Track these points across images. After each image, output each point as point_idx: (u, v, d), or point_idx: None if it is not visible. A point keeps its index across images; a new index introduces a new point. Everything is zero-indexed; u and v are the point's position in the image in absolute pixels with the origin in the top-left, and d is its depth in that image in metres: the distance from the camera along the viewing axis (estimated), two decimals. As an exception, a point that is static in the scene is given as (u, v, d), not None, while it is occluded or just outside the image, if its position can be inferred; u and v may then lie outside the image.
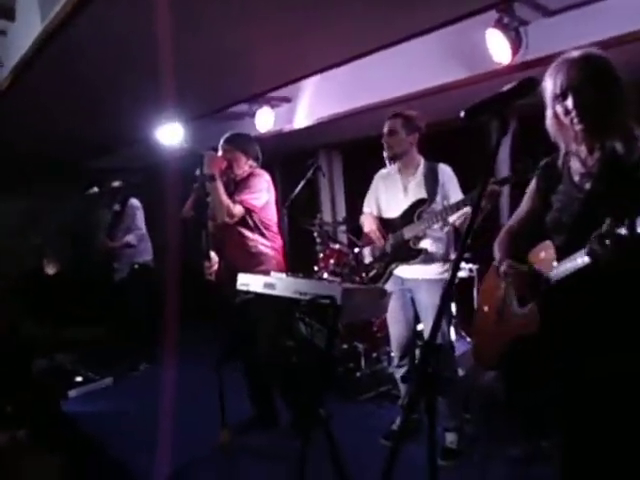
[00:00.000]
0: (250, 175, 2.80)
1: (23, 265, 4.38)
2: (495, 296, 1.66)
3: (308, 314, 1.80)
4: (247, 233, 2.75)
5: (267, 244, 2.78)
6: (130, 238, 4.21)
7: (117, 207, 4.24)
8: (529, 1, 2.59)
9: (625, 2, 2.46)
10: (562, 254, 1.39)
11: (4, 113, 3.36)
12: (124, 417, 3.36)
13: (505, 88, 1.06)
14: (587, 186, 1.39)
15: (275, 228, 2.86)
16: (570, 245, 1.34)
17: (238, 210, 2.66)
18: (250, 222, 2.75)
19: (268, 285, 1.81)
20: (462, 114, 1.01)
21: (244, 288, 1.94)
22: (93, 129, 4.06)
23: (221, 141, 2.86)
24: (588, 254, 1.24)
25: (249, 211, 2.71)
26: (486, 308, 1.73)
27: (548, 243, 1.49)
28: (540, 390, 1.60)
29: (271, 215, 2.84)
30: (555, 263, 1.42)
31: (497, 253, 1.66)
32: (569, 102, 1.36)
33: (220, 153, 2.80)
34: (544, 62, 2.67)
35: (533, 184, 1.60)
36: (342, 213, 5.64)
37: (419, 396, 0.89)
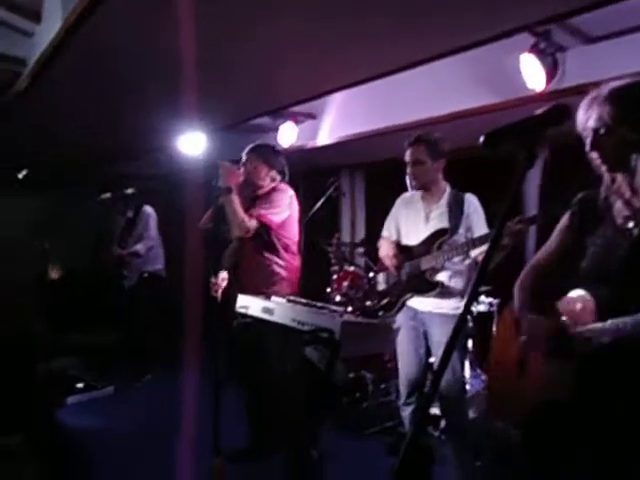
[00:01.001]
0: (272, 190, 2.65)
1: (31, 268, 4.38)
2: (515, 345, 1.49)
3: (314, 338, 1.66)
4: (263, 251, 2.60)
5: (282, 264, 2.61)
6: (139, 247, 4.14)
7: (130, 214, 4.21)
8: (568, 26, 2.46)
9: (672, 32, 2.30)
10: (607, 309, 1.22)
11: (22, 114, 3.36)
12: (119, 431, 3.24)
13: (534, 114, 0.93)
14: (635, 231, 1.24)
15: (294, 248, 2.67)
16: (617, 299, 1.19)
17: (253, 224, 2.50)
18: (267, 239, 2.58)
19: (267, 310, 1.70)
20: (481, 139, 0.88)
21: (242, 311, 1.82)
22: (113, 134, 4.06)
23: (245, 150, 2.75)
24: None
25: (266, 227, 2.56)
26: (505, 357, 1.56)
27: (585, 294, 1.31)
28: (567, 457, 1.42)
29: (291, 234, 2.65)
30: (600, 321, 1.25)
31: (518, 296, 1.50)
32: (587, 143, 1.27)
33: (242, 161, 2.68)
34: (580, 90, 2.57)
35: (566, 220, 1.44)
36: (361, 235, 5.50)
37: (408, 469, 0.75)
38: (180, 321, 3.83)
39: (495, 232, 0.91)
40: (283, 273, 2.61)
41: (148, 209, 4.28)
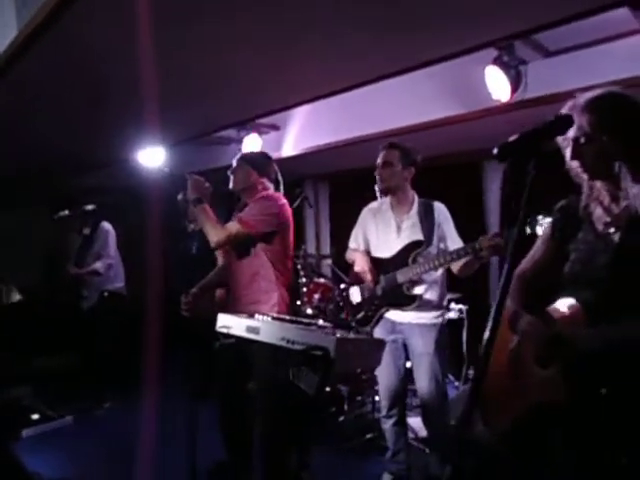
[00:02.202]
0: (262, 197, 2.43)
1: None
2: (507, 349, 1.50)
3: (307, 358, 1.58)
4: (252, 265, 2.38)
5: (272, 280, 2.36)
6: (98, 266, 3.94)
7: (87, 231, 3.98)
8: (529, 41, 2.55)
9: (626, 47, 2.44)
10: (594, 312, 1.24)
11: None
12: (82, 464, 3.03)
13: (540, 125, 0.93)
14: (615, 238, 1.27)
15: (287, 260, 2.46)
16: (603, 304, 1.21)
17: (233, 228, 2.29)
18: (253, 251, 2.36)
19: (251, 329, 1.62)
20: (495, 151, 0.88)
21: (224, 330, 1.74)
22: (70, 147, 3.86)
23: (235, 158, 2.58)
24: None
25: (251, 237, 2.32)
26: (496, 363, 1.56)
27: (572, 300, 1.34)
28: (554, 461, 1.43)
29: (280, 245, 2.40)
30: (588, 327, 1.27)
31: (509, 302, 1.51)
32: (568, 152, 1.29)
33: (233, 167, 2.52)
34: (543, 101, 2.68)
35: (548, 228, 1.47)
36: (327, 246, 5.49)
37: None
38: (144, 342, 3.65)
39: (516, 235, 0.90)
40: (273, 289, 2.37)
41: (106, 225, 4.07)
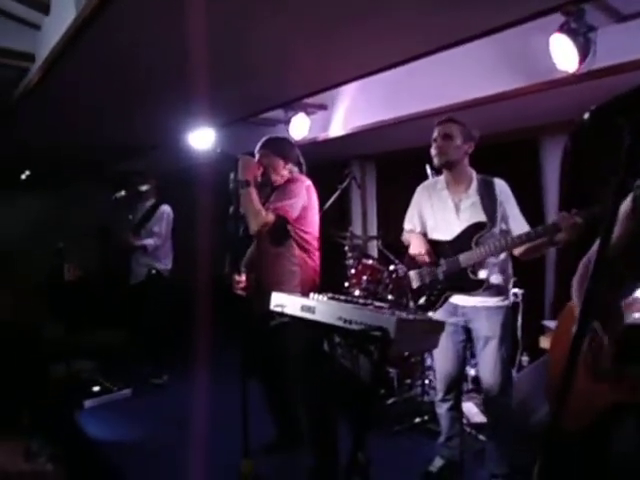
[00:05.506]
0: (288, 181, 2.52)
1: (43, 267, 4.28)
2: (568, 340, 1.39)
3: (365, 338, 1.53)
4: (276, 246, 2.47)
5: (295, 261, 2.45)
6: (149, 242, 4.02)
7: (147, 205, 4.10)
8: (600, 4, 2.35)
9: None
10: None
11: (32, 110, 3.26)
12: (140, 434, 3.17)
13: (635, 86, 0.83)
14: None
15: (314, 242, 2.52)
16: None
17: (270, 218, 2.38)
18: (282, 233, 2.45)
19: (306, 308, 1.60)
20: (586, 116, 0.79)
21: (278, 309, 1.73)
22: (122, 130, 3.96)
23: (258, 146, 2.63)
24: None
25: (283, 220, 2.42)
26: (561, 354, 1.47)
27: None
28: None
29: (308, 226, 2.49)
30: None
31: (577, 294, 1.42)
32: None
33: (257, 158, 2.56)
34: (614, 71, 2.48)
35: (627, 206, 1.35)
36: (374, 227, 5.41)
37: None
38: (195, 320, 3.74)
39: (610, 212, 0.81)
40: (296, 270, 2.45)
41: (167, 209, 4.17)
